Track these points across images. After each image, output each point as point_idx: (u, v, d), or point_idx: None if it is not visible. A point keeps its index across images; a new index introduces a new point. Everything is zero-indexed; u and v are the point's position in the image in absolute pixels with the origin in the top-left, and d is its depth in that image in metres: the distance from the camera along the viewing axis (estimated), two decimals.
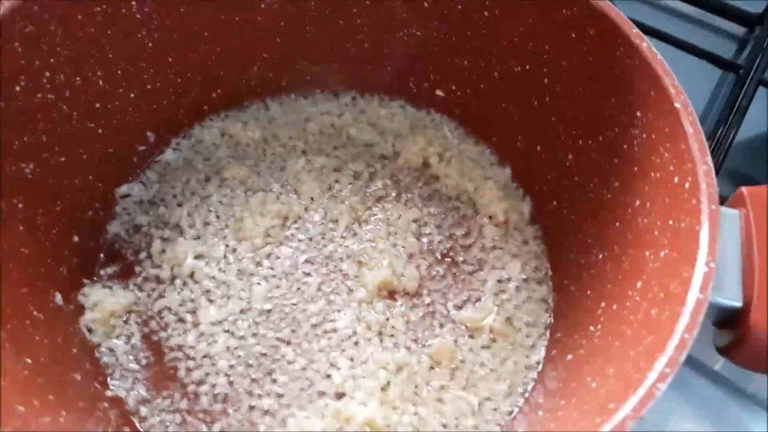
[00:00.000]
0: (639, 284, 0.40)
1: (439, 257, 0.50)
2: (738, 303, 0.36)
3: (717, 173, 0.57)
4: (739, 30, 0.69)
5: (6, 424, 0.35)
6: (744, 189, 0.39)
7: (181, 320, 0.47)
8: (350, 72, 0.56)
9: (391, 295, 0.49)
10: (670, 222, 0.39)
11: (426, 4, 0.51)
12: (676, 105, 0.39)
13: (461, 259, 0.50)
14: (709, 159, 0.37)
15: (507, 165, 0.54)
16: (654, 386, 0.31)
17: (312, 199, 0.52)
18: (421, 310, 0.48)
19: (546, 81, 0.49)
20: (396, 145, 0.55)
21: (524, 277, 0.50)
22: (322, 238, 0.51)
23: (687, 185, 0.38)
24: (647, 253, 0.40)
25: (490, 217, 0.52)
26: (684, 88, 0.67)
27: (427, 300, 0.49)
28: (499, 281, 0.49)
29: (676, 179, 0.39)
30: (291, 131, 0.55)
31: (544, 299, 0.49)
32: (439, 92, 0.55)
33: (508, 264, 0.50)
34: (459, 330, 0.47)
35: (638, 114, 0.43)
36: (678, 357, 0.32)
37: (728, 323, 0.37)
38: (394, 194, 0.53)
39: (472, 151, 0.54)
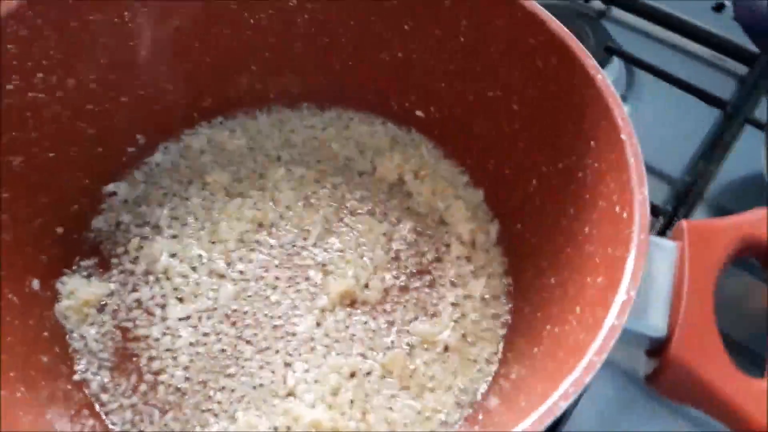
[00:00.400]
0: (578, 309, 0.41)
1: (404, 271, 0.52)
2: (662, 333, 0.37)
3: (694, 206, 0.58)
4: (740, 68, 0.70)
5: None
6: (684, 222, 0.40)
7: (150, 314, 0.49)
8: (335, 88, 0.58)
9: (353, 304, 0.50)
10: (609, 250, 0.40)
11: (406, 27, 0.53)
12: (622, 136, 0.41)
13: (426, 273, 0.52)
14: (645, 190, 0.39)
15: (480, 187, 0.55)
16: (556, 404, 0.32)
17: (288, 207, 0.54)
18: (380, 321, 0.50)
19: (515, 107, 0.50)
20: (374, 160, 0.57)
21: (485, 296, 0.51)
22: (293, 246, 0.53)
23: (625, 215, 0.39)
24: (588, 279, 0.41)
25: (458, 236, 0.53)
26: (678, 123, 0.68)
27: (388, 311, 0.50)
28: (460, 298, 0.51)
29: (617, 208, 0.40)
30: (276, 141, 0.58)
31: (500, 319, 0.50)
32: (419, 113, 0.57)
33: (470, 282, 0.51)
34: (414, 342, 0.49)
35: (592, 143, 0.44)
36: (584, 378, 0.33)
37: (655, 353, 0.38)
38: (367, 208, 0.55)
39: (446, 171, 0.56)
